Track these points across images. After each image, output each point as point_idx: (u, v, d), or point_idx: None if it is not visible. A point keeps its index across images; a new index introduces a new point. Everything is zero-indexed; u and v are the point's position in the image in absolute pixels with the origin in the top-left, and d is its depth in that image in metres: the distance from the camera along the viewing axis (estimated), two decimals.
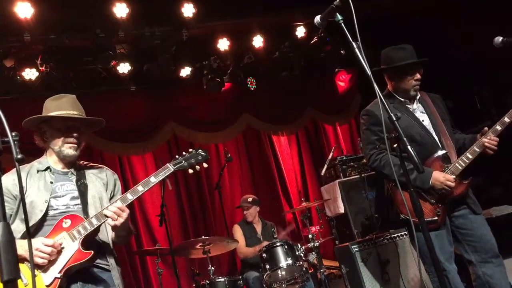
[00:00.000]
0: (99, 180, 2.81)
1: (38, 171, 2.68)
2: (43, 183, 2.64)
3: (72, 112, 2.69)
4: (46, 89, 5.59)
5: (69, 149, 2.68)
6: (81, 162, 2.88)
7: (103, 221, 2.54)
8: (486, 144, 3.24)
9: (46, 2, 5.05)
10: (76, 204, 2.64)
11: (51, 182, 2.66)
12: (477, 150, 3.27)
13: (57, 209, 2.59)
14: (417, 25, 6.18)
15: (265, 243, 5.31)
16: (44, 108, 2.73)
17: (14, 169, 2.59)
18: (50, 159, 2.74)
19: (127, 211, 2.54)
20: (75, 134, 2.68)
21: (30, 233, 2.45)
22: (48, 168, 2.71)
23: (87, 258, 2.46)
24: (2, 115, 1.44)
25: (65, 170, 2.74)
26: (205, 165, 2.80)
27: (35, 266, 2.37)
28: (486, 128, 3.29)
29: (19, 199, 2.56)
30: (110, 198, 2.78)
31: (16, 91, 5.77)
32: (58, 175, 2.71)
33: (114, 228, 2.57)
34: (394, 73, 3.40)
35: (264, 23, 6.52)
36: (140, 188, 2.61)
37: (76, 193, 2.66)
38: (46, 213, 2.54)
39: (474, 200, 3.34)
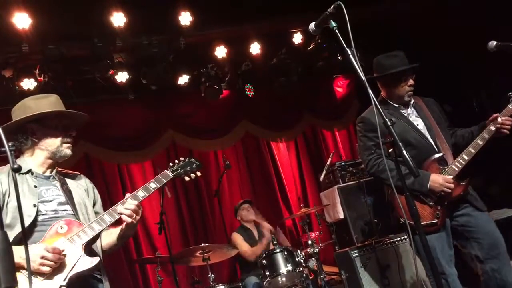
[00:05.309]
0: (80, 186, 2.76)
1: (18, 174, 2.49)
2: (26, 187, 2.50)
3: (66, 110, 2.67)
4: None
5: (67, 149, 2.65)
6: (58, 168, 2.79)
7: (109, 223, 2.48)
8: (498, 126, 3.24)
9: (43, 12, 5.06)
10: (64, 210, 2.55)
11: (35, 186, 2.54)
12: (482, 141, 3.26)
13: (46, 214, 2.48)
14: (413, 29, 6.21)
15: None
16: (27, 107, 2.67)
17: None
18: (32, 161, 2.61)
19: (141, 208, 2.56)
20: (74, 134, 2.68)
21: (26, 236, 2.33)
22: (29, 171, 2.58)
23: (94, 265, 2.39)
24: None
25: (47, 174, 2.64)
26: (198, 173, 2.88)
27: (39, 274, 2.27)
28: (497, 114, 3.29)
29: (3, 203, 2.43)
30: (93, 206, 2.75)
31: (15, 101, 5.75)
32: (40, 179, 2.59)
33: (127, 226, 2.55)
34: (388, 80, 3.43)
35: (261, 30, 6.54)
36: (141, 194, 2.59)
37: (63, 199, 2.58)
38: (35, 218, 2.43)
39: (475, 197, 3.34)
